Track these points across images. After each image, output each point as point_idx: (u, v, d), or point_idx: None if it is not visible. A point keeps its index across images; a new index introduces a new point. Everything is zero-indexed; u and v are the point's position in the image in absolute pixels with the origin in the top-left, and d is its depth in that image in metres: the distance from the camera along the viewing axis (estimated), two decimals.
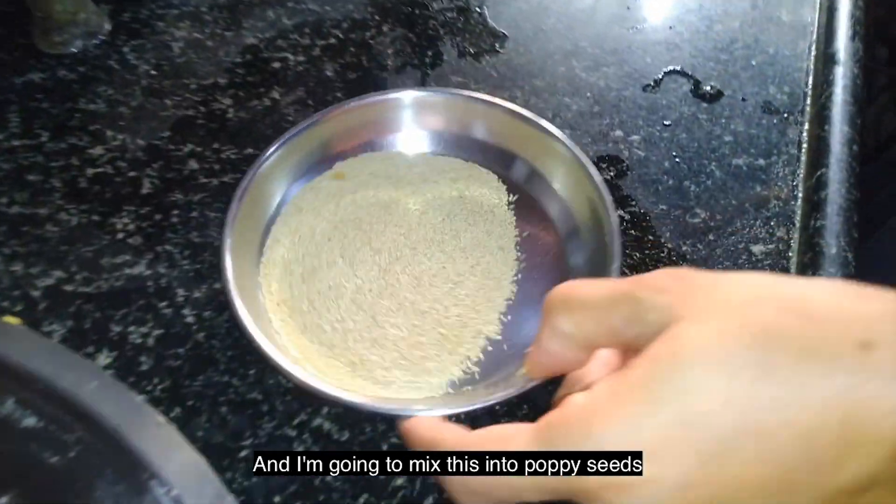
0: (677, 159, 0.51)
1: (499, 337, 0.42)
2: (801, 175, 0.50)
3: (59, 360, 0.32)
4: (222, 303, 0.44)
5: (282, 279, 0.43)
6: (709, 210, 0.48)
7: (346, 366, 0.40)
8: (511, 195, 0.48)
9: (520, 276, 0.45)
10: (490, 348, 0.42)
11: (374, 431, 0.39)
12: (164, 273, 0.45)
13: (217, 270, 0.45)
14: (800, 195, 0.49)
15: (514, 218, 0.47)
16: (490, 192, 0.48)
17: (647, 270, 0.43)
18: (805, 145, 0.52)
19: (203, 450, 0.39)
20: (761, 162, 0.51)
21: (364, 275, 0.44)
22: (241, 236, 0.42)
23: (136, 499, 0.31)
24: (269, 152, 0.45)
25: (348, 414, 0.39)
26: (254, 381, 0.41)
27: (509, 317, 0.43)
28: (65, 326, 0.42)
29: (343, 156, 0.48)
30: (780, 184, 0.50)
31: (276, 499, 0.37)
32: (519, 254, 0.46)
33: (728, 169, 0.50)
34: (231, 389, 0.41)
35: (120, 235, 0.46)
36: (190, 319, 0.43)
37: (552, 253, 0.45)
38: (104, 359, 0.41)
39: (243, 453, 0.39)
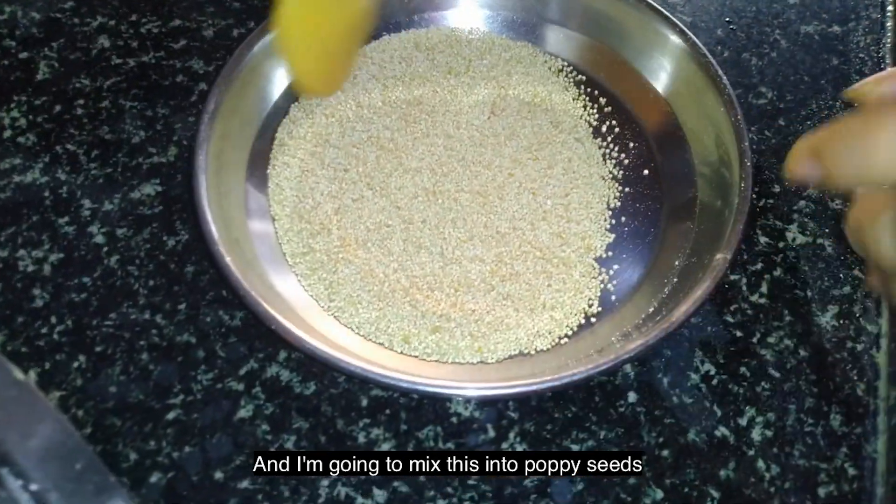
0: (732, 26, 0.40)
1: (611, 253, 0.32)
2: (888, 44, 0.40)
3: None
4: (142, 217, 0.33)
5: (291, 230, 0.32)
6: (776, 88, 0.38)
7: (426, 330, 0.30)
8: (580, 90, 0.36)
9: (614, 170, 0.34)
10: (610, 269, 0.31)
11: (350, 382, 0.29)
12: (66, 180, 0.34)
13: (136, 173, 0.34)
14: (887, 68, 0.39)
15: (583, 110, 0.36)
16: (546, 83, 0.36)
17: None
18: (891, 7, 0.41)
19: (118, 411, 0.29)
20: (836, 29, 0.40)
21: (408, 204, 0.32)
22: (217, 159, 0.31)
23: None
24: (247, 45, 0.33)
25: (313, 361, 0.29)
26: (185, 318, 0.31)
27: (620, 221, 0.33)
28: None
29: None
30: (861, 55, 0.39)
31: (217, 475, 0.27)
32: (604, 144, 0.35)
33: (796, 38, 0.39)
34: (154, 330, 0.30)
35: (7, 133, 0.35)
36: (99, 239, 0.32)
37: (646, 147, 0.35)
38: None
39: (172, 414, 0.29)
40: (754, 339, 0.31)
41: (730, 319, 0.31)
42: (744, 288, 0.32)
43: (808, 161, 0.24)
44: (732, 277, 0.32)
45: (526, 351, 0.29)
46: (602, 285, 0.31)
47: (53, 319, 0.30)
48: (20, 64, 0.37)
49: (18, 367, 0.20)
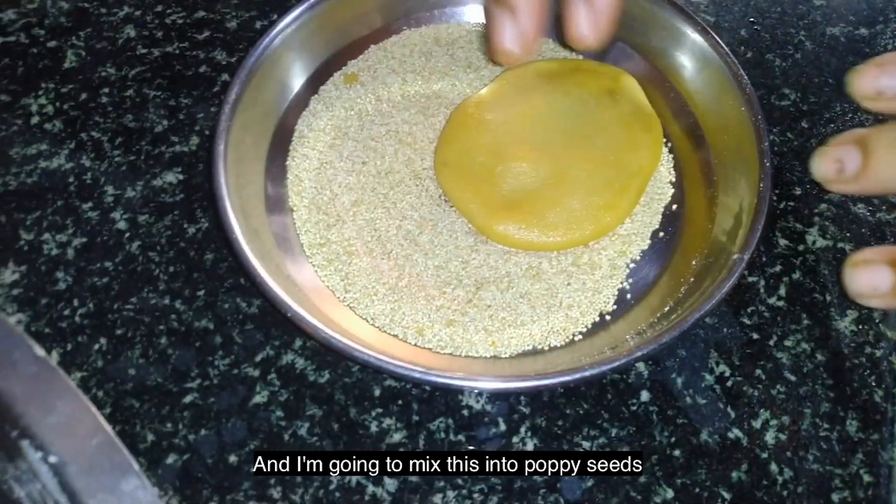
0: (756, 27, 0.39)
1: (645, 249, 0.31)
2: None
3: None
4: (163, 205, 0.33)
5: (309, 221, 0.32)
6: (799, 90, 0.37)
7: (441, 323, 0.30)
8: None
9: None
10: (627, 267, 0.31)
11: (363, 372, 0.29)
12: (90, 166, 0.34)
13: (159, 161, 0.34)
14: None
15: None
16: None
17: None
18: None
19: (136, 393, 0.29)
20: (863, 31, 0.40)
21: (427, 199, 0.32)
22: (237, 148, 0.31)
23: (7, 465, 0.21)
24: (266, 40, 0.33)
25: (327, 350, 0.29)
26: (203, 305, 0.31)
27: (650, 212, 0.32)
28: None
29: (363, 43, 0.37)
30: None
31: (231, 458, 0.28)
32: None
33: (821, 40, 0.39)
34: (174, 315, 0.31)
35: (35, 120, 0.35)
36: (121, 225, 0.33)
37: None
38: (10, 274, 0.31)
39: (189, 398, 0.29)
40: (771, 342, 0.30)
41: (746, 321, 0.31)
42: (761, 290, 0.32)
43: (850, 149, 0.25)
44: (750, 279, 0.32)
45: (539, 347, 0.29)
46: (619, 284, 0.31)
47: (76, 302, 0.31)
48: (48, 52, 0.38)
49: (40, 346, 0.21)
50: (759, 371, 0.30)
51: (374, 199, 0.32)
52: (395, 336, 0.29)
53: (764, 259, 0.32)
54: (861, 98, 0.26)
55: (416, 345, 0.29)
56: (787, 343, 0.30)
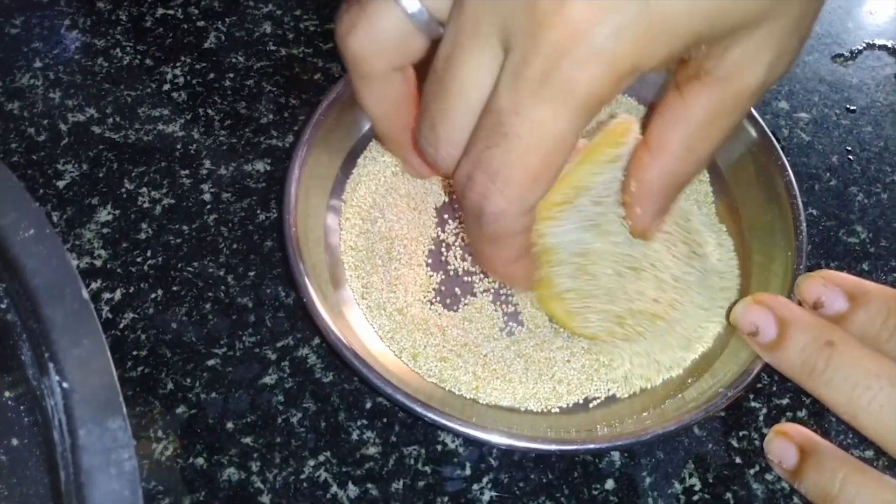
0: (850, 156, 0.39)
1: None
2: None
3: (7, 194, 0.27)
4: (246, 188, 0.37)
5: (349, 221, 0.35)
6: (872, 231, 0.36)
7: (435, 358, 0.32)
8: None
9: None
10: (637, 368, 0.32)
11: (362, 383, 0.32)
12: (197, 139, 0.39)
13: (255, 149, 0.39)
14: None
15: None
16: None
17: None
18: None
19: (171, 344, 0.33)
20: None
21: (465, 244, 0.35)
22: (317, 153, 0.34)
23: (38, 377, 0.26)
24: None
25: (335, 353, 0.32)
26: (250, 284, 0.35)
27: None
28: (79, 169, 0.38)
29: None
30: None
31: (229, 424, 0.31)
32: None
33: None
34: (222, 287, 0.35)
35: (166, 87, 0.41)
36: (207, 197, 0.37)
37: None
38: (105, 215, 0.37)
39: (211, 362, 0.33)
40: (752, 471, 0.30)
41: (734, 444, 0.31)
42: (760, 418, 0.32)
43: (770, 322, 0.26)
44: (753, 404, 0.32)
45: (517, 406, 0.31)
46: (614, 378, 0.31)
47: (149, 253, 0.36)
48: (195, 30, 0.43)
49: (87, 288, 0.25)
50: (729, 494, 0.30)
51: (419, 222, 0.35)
52: (393, 352, 0.31)
53: (774, 389, 0.32)
54: (803, 302, 0.28)
55: (407, 366, 0.31)
56: (768, 477, 0.30)
